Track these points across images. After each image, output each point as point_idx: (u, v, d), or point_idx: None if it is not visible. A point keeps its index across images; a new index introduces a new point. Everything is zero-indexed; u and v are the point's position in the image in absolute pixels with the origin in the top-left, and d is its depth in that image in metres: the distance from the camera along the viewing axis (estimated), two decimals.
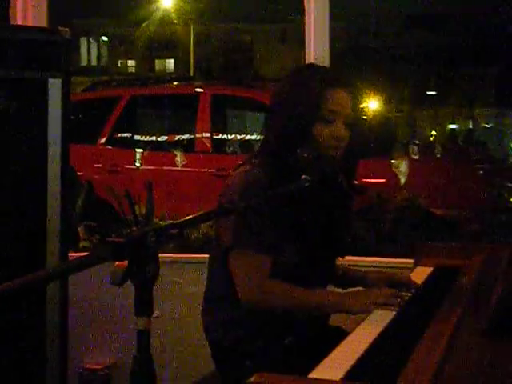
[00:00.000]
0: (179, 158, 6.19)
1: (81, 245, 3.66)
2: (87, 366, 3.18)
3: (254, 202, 1.80)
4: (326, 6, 3.12)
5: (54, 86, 2.41)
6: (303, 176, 1.67)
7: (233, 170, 1.99)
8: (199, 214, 1.21)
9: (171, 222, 1.13)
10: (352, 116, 1.94)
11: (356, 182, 2.07)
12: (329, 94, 1.89)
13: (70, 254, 2.61)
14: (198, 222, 1.20)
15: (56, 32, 2.42)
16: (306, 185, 1.65)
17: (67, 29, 2.41)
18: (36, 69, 2.40)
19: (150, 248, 1.02)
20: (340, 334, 1.67)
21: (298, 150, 1.82)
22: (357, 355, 1.39)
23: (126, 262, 1.03)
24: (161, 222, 3.36)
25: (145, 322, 1.04)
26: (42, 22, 3.06)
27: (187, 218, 1.15)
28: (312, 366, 1.34)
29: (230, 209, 1.28)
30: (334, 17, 3.16)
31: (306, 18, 3.12)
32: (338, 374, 1.27)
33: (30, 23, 3.00)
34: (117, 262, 1.04)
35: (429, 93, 28.79)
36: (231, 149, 6.67)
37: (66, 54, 2.43)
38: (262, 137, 2.03)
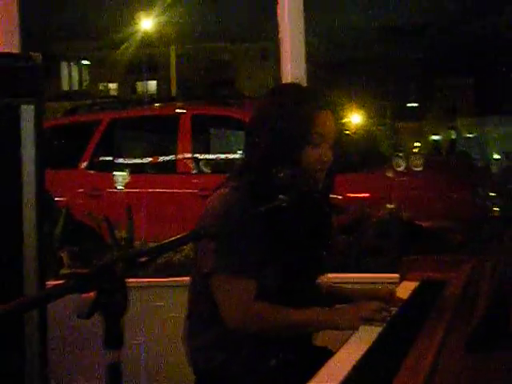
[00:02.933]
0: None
1: (62, 271, 3.61)
2: None
3: (233, 225, 1.78)
4: (300, 24, 3.10)
5: (27, 111, 2.39)
6: (280, 196, 1.66)
7: (212, 190, 1.97)
8: (170, 240, 1.17)
9: (142, 248, 1.09)
10: (335, 137, 1.93)
11: (340, 197, 2.06)
12: (317, 118, 1.89)
13: (49, 282, 2.57)
14: (168, 248, 1.17)
15: (27, 57, 2.39)
16: (284, 205, 1.63)
17: (38, 54, 2.39)
18: (8, 95, 2.38)
19: (117, 278, 0.98)
20: (326, 354, 1.64)
21: (273, 170, 1.79)
22: (341, 377, 1.37)
23: (93, 294, 0.99)
24: (147, 245, 3.32)
25: (115, 355, 1.00)
26: (15, 48, 3.02)
27: (157, 244, 1.11)
28: None
29: (202, 234, 1.25)
30: (309, 32, 3.15)
31: (281, 36, 3.10)
32: None
33: (0, 49, 2.97)
34: (83, 294, 1.00)
35: (409, 105, 29.03)
36: (214, 168, 6.64)
37: (39, 79, 2.40)
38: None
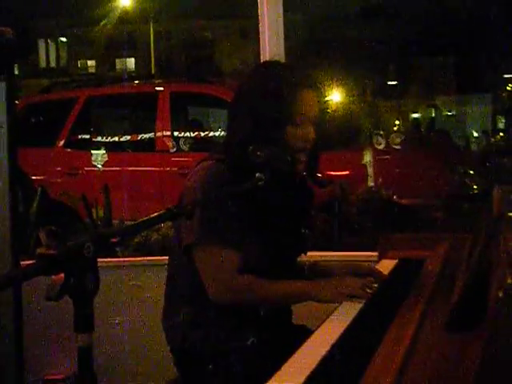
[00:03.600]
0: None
1: (38, 251, 3.55)
2: (47, 377, 3.09)
3: (216, 197, 1.77)
4: (279, 1, 3.06)
5: None
6: (257, 174, 1.64)
7: (194, 167, 1.95)
8: (144, 219, 1.14)
9: (114, 228, 1.06)
10: (318, 115, 1.92)
11: (319, 175, 2.05)
12: (300, 97, 1.87)
13: (23, 262, 2.53)
14: (143, 227, 1.13)
15: None
16: (260, 183, 1.61)
17: (10, 29, 2.32)
18: None
19: (87, 259, 0.96)
20: (304, 333, 1.63)
21: (250, 149, 1.77)
22: (320, 356, 1.35)
23: (62, 275, 0.96)
24: (124, 224, 3.29)
25: (86, 338, 0.97)
26: None
27: (129, 224, 1.08)
28: (276, 366, 1.30)
29: (179, 212, 1.22)
30: (290, 9, 3.11)
31: (259, 12, 3.06)
32: (298, 381, 1.22)
33: None
34: (53, 276, 0.97)
35: (390, 83, 29.07)
36: (193, 146, 6.59)
37: (10, 55, 2.33)
38: (223, 133, 2.00)
